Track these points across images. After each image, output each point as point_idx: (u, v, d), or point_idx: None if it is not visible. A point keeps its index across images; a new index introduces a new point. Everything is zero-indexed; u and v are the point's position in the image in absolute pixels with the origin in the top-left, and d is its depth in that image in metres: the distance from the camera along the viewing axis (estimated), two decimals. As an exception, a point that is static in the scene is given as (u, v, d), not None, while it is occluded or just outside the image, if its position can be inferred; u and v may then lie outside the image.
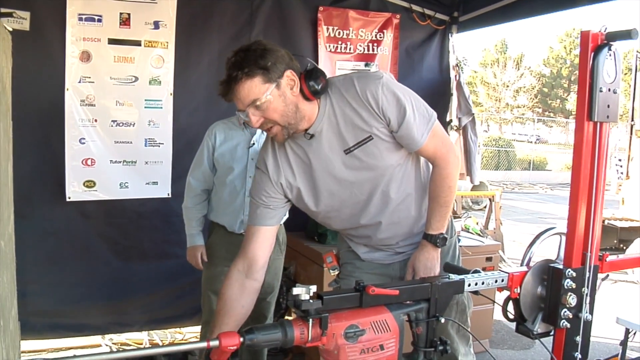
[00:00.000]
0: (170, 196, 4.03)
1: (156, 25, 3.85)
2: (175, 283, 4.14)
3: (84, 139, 3.76)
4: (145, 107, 3.91)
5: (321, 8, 4.46)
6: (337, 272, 2.51)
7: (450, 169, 2.15)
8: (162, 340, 4.28)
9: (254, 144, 3.24)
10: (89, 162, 3.79)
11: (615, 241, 7.84)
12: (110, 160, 3.86)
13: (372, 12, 4.66)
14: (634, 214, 8.22)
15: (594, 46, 1.79)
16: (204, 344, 1.38)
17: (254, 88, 1.87)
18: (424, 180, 2.25)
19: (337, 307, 1.53)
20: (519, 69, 37.12)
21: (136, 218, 4.02)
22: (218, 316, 1.97)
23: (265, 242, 2.11)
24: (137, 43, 3.83)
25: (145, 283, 4.09)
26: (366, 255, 2.36)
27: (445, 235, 2.19)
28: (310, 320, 1.47)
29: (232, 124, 3.29)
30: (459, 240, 4.09)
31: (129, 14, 3.77)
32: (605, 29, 1.82)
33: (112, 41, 3.76)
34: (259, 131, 3.19)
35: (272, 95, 1.89)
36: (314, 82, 1.96)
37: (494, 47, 37.16)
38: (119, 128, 3.86)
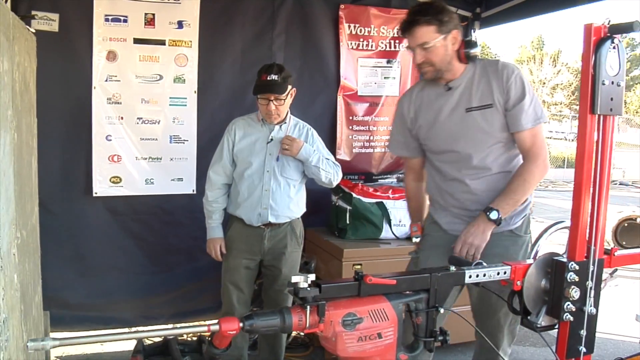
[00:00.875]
0: (195, 192, 4.11)
1: (180, 24, 3.94)
2: (199, 278, 4.23)
3: (110, 136, 3.87)
4: (170, 105, 4.01)
5: (342, 6, 4.49)
6: (419, 240, 2.86)
7: (534, 167, 2.48)
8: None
9: (272, 139, 3.32)
10: (115, 158, 3.90)
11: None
12: (136, 157, 3.96)
13: (393, 9, 4.68)
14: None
15: (596, 39, 1.80)
16: (204, 328, 1.43)
17: (428, 33, 2.42)
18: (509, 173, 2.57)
19: (335, 295, 1.57)
20: (555, 66, 36.52)
21: (161, 214, 4.12)
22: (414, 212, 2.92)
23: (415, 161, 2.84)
24: (162, 42, 3.92)
25: (171, 278, 4.19)
26: (447, 226, 2.70)
27: (503, 219, 2.46)
28: (308, 307, 1.51)
29: (252, 120, 3.38)
30: None
31: (153, 14, 3.87)
32: (609, 21, 1.82)
33: (137, 41, 3.86)
34: (276, 127, 3.32)
35: (439, 43, 2.44)
36: (469, 49, 2.51)
37: (530, 44, 36.66)
38: (144, 125, 3.96)
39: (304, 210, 3.56)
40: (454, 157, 2.61)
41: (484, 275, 1.82)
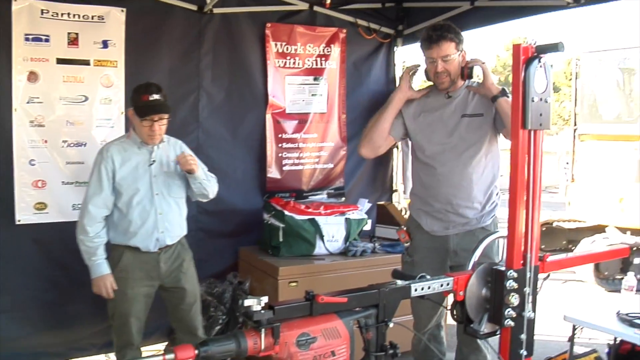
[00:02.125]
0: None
1: (105, 44, 3.86)
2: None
3: (34, 160, 3.72)
4: (96, 127, 3.91)
5: (268, 24, 4.52)
6: (408, 245, 3.20)
7: None
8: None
9: (154, 161, 3.24)
10: (39, 183, 3.75)
11: (564, 242, 8.08)
12: (62, 182, 3.83)
13: (318, 27, 4.76)
14: (580, 215, 8.49)
15: (525, 58, 1.89)
16: (159, 358, 1.41)
17: (451, 48, 2.89)
18: (492, 180, 3.07)
19: (288, 316, 1.58)
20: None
21: None
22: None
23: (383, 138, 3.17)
24: (86, 62, 3.83)
25: (100, 307, 4.03)
26: (427, 226, 3.10)
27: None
28: (263, 330, 1.51)
29: (126, 145, 3.26)
30: None
31: (77, 34, 3.77)
32: (535, 42, 1.92)
33: (60, 61, 3.75)
34: (156, 149, 3.26)
35: (456, 57, 2.92)
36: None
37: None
38: (70, 148, 3.84)
39: (185, 233, 3.52)
40: (445, 154, 3.03)
41: (429, 287, 1.87)
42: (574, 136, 8.74)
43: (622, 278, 7.23)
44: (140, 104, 3.15)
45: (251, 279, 4.25)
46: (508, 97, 2.86)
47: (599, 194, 8.08)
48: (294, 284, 3.91)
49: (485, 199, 3.06)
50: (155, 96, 3.15)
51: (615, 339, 3.49)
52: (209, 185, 3.38)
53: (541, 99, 1.91)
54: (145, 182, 3.21)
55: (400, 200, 5.61)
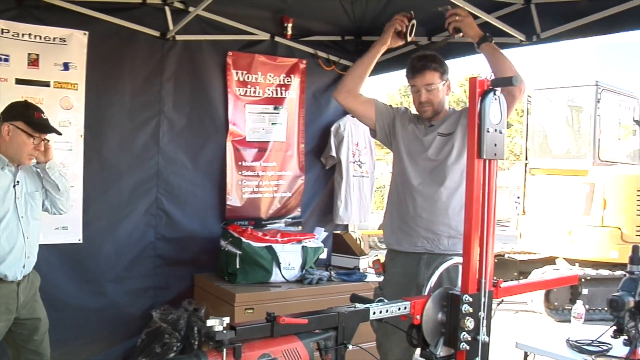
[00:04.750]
0: (81, 241, 3.95)
1: (66, 66, 3.84)
2: (89, 331, 4.04)
3: (-11, 182, 3.63)
4: (54, 150, 3.82)
5: (230, 53, 4.57)
6: (382, 278, 3.22)
7: None
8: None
9: (18, 182, 3.05)
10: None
11: (515, 273, 8.25)
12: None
13: (279, 57, 4.83)
14: (531, 247, 8.71)
15: (481, 91, 1.98)
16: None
17: (435, 77, 2.95)
18: (462, 198, 2.75)
19: (249, 336, 1.60)
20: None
21: (43, 264, 3.84)
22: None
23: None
24: (46, 84, 3.79)
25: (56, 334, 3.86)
26: (394, 242, 3.11)
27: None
28: (224, 350, 1.52)
29: None
30: (366, 276, 4.49)
31: (37, 55, 3.74)
32: (491, 75, 2.02)
33: (19, 81, 3.70)
34: (20, 172, 3.07)
35: (440, 87, 2.97)
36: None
37: (398, 91, 38.27)
38: (26, 170, 3.76)
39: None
40: (420, 171, 3.06)
41: (387, 311, 1.91)
42: (525, 170, 9.01)
43: (571, 308, 7.48)
44: (34, 120, 3.01)
45: (207, 306, 4.22)
46: (492, 41, 2.90)
47: (549, 227, 8.32)
48: (250, 310, 3.90)
49: (459, 220, 2.80)
50: (45, 116, 3.08)
51: (564, 366, 3.58)
52: (62, 180, 3.20)
53: (496, 130, 2.00)
54: (11, 204, 2.98)
55: (356, 230, 5.68)
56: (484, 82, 1.99)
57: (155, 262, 4.35)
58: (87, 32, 3.90)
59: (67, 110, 3.87)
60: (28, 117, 3.01)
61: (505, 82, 2.00)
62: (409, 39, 3.17)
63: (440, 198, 2.99)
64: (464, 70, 32.84)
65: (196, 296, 4.44)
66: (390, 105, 3.28)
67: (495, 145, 2.01)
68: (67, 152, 3.87)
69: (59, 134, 3.19)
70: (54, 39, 3.80)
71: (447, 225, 2.98)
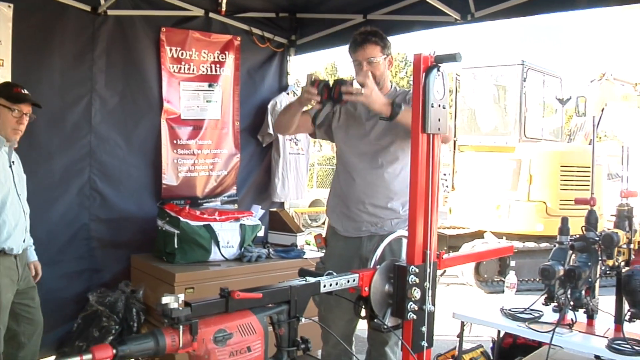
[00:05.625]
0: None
1: (-10, 42, 3.66)
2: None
3: None
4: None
5: (163, 29, 4.48)
6: (323, 252, 3.28)
7: None
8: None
9: (13, 162, 3.25)
10: None
11: (445, 248, 8.49)
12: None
13: (213, 34, 4.77)
14: (460, 222, 8.98)
15: (425, 67, 2.02)
16: (76, 358, 1.37)
17: (376, 51, 2.96)
18: (405, 181, 2.66)
19: (205, 313, 1.59)
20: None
21: None
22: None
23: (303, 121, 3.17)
24: (-31, 60, 3.61)
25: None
26: (339, 226, 3.13)
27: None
28: (181, 327, 1.51)
29: None
30: (304, 253, 4.54)
31: (-43, 29, 3.55)
32: (434, 52, 2.06)
33: (-61, 58, 3.51)
34: (14, 153, 3.27)
35: (381, 61, 2.99)
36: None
37: (324, 70, 38.34)
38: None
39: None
40: (361, 155, 3.07)
41: (337, 284, 1.94)
42: (454, 147, 9.24)
43: (500, 280, 7.80)
44: (12, 94, 3.15)
45: (145, 287, 4.16)
46: (401, 108, 2.76)
47: (478, 202, 8.59)
48: (190, 290, 3.87)
49: (402, 203, 3.03)
50: (25, 91, 3.20)
51: (498, 334, 3.73)
52: None
53: (439, 105, 2.05)
54: (10, 183, 3.19)
55: (290, 208, 5.70)
56: (427, 59, 2.03)
57: (90, 243, 4.25)
58: (11, 5, 3.73)
59: (-8, 88, 3.69)
60: (6, 92, 3.16)
61: (449, 58, 2.03)
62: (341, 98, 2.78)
63: (382, 183, 3.03)
64: (399, 49, 33.21)
65: (133, 278, 4.37)
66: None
67: (439, 120, 2.05)
68: (-8, 131, 3.70)
69: (39, 106, 3.27)
70: (-24, 11, 3.62)
71: (391, 210, 3.03)
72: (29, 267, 3.47)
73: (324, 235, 3.33)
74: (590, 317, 3.01)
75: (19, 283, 3.27)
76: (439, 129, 2.05)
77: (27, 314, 3.39)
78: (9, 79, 3.71)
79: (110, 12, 4.14)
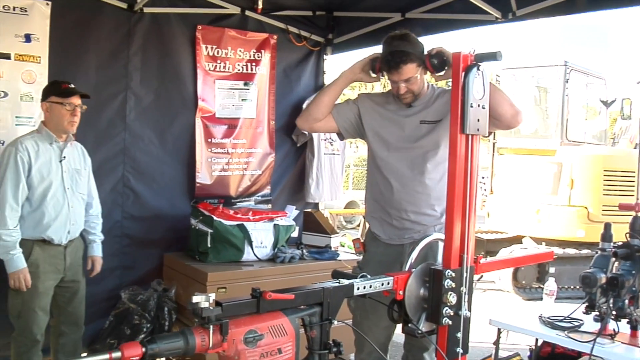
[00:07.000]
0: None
1: (28, 38, 3.69)
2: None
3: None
4: (16, 125, 3.72)
5: (199, 26, 4.47)
6: (362, 257, 3.12)
7: None
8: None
9: (65, 157, 3.37)
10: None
11: (482, 252, 8.34)
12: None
13: (249, 32, 4.75)
14: (498, 226, 8.81)
15: (464, 66, 1.96)
16: (105, 356, 1.35)
17: (411, 70, 2.75)
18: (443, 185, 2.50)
19: (236, 313, 1.56)
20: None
21: None
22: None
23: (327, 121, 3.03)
24: (7, 56, 3.64)
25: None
26: (381, 233, 2.98)
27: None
28: (211, 327, 1.48)
29: (38, 140, 3.31)
30: (338, 255, 4.49)
31: (-4, 25, 3.58)
32: (474, 50, 1.99)
33: (-22, 54, 3.55)
34: (68, 149, 3.41)
35: (418, 76, 2.79)
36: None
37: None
38: (-12, 146, 3.64)
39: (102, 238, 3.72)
40: (401, 160, 2.92)
41: (370, 286, 1.89)
42: (493, 150, 9.08)
43: (538, 287, 7.62)
44: (61, 90, 3.28)
45: (177, 286, 4.16)
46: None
47: (517, 206, 8.42)
48: (222, 289, 3.85)
49: (443, 207, 2.74)
50: (72, 85, 3.33)
51: (536, 342, 3.63)
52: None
53: (479, 105, 1.98)
54: (58, 177, 3.33)
55: (325, 209, 5.66)
56: (467, 57, 1.97)
57: (122, 241, 4.27)
58: (49, 2, 3.75)
59: (29, 84, 3.73)
60: (56, 89, 3.30)
61: (489, 57, 1.97)
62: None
63: (424, 190, 2.88)
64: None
65: (165, 276, 4.38)
66: (349, 100, 3.11)
67: (478, 120, 1.99)
68: (30, 127, 3.72)
69: (87, 96, 3.38)
70: (14, 8, 3.65)
71: (434, 217, 2.89)
72: (88, 260, 3.63)
73: (361, 239, 3.19)
74: (634, 327, 2.88)
75: (65, 272, 3.40)
76: (478, 130, 1.99)
77: (69, 307, 3.50)
78: (45, 76, 3.76)
79: (146, 10, 4.15)
